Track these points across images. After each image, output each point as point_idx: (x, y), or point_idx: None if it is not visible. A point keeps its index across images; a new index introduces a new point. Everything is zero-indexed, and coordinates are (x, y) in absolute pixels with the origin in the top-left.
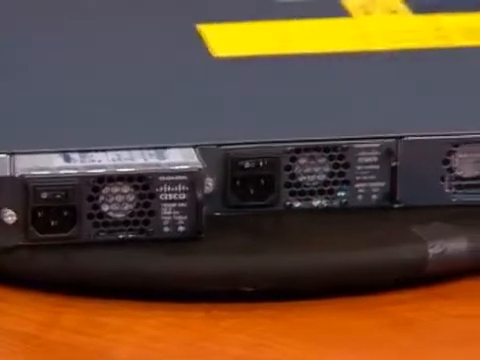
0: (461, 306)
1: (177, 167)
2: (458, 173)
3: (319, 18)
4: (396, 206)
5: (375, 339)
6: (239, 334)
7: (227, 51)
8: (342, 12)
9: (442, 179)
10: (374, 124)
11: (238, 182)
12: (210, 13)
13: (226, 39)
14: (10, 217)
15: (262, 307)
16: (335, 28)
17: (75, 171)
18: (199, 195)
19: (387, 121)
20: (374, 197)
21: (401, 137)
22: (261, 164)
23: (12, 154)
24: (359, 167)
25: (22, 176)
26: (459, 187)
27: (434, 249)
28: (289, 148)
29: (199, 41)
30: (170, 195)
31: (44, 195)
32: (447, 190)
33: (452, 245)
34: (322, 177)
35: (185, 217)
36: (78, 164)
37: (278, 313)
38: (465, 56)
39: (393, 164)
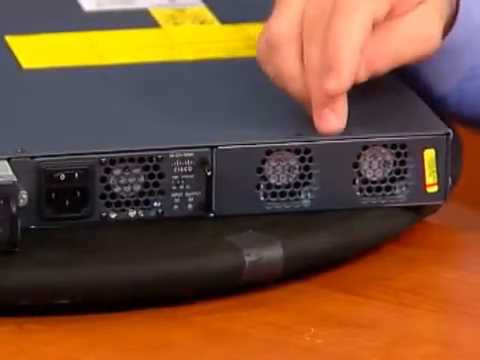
0: (271, 314)
1: None
2: (272, 181)
3: (128, 28)
4: (212, 215)
5: (188, 350)
6: (53, 347)
7: (36, 63)
8: (151, 22)
9: (257, 187)
10: (188, 134)
11: (53, 194)
12: (18, 24)
13: (35, 51)
14: None
15: (75, 320)
16: (143, 39)
17: None
18: (13, 208)
19: (201, 131)
20: (190, 207)
21: (215, 146)
22: (76, 176)
23: None
24: (174, 177)
25: None
26: (273, 195)
27: (250, 257)
28: (103, 159)
29: (8, 53)
30: None
31: None
32: (262, 198)
33: (267, 253)
34: (137, 188)
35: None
36: None
37: (92, 326)
38: None
39: (208, 173)
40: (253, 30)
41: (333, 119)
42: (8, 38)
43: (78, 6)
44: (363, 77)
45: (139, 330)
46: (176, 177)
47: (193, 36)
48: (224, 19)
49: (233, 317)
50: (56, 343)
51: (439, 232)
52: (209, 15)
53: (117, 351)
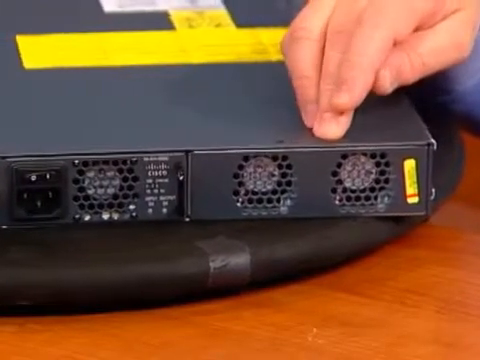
0: (273, 314)
1: None
2: (249, 187)
3: (142, 30)
4: (187, 220)
5: (188, 350)
6: (53, 347)
7: (39, 63)
8: (167, 25)
9: (234, 193)
10: (164, 138)
11: (25, 195)
12: (33, 24)
13: (41, 51)
14: None
15: (76, 320)
16: (154, 41)
17: None
18: None
19: (179, 135)
20: (164, 211)
21: (190, 151)
22: (47, 177)
23: None
24: (149, 181)
25: None
26: (250, 201)
27: (215, 263)
28: (76, 161)
29: (14, 53)
30: None
31: None
32: (239, 204)
33: (234, 259)
34: (111, 190)
35: None
36: None
37: (92, 326)
38: (281, 70)
39: (180, 178)
40: (265, 35)
41: (334, 126)
42: (18, 38)
43: (99, 7)
44: (389, 88)
45: (139, 330)
46: (150, 181)
47: (205, 39)
48: (240, 23)
49: (234, 317)
50: (56, 343)
51: (441, 233)
52: (226, 19)
53: (117, 351)
